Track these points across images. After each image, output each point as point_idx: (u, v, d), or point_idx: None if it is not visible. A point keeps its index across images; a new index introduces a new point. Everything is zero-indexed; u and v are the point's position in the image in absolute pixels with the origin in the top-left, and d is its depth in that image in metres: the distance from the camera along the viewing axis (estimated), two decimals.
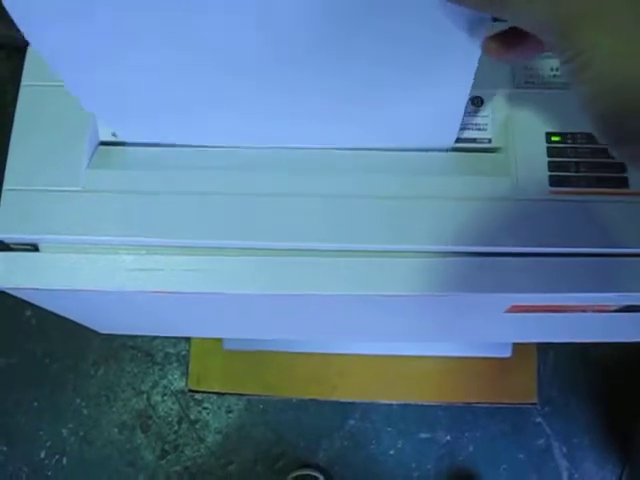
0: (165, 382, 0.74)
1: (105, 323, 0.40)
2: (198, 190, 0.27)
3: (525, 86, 0.28)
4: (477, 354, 0.65)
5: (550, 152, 0.27)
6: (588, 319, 0.32)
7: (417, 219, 0.27)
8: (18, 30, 0.22)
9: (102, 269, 0.27)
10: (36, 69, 0.29)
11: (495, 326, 0.38)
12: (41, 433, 0.73)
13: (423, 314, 0.33)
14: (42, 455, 0.73)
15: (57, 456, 0.73)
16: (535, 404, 0.68)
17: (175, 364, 0.74)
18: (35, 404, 0.74)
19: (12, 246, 0.28)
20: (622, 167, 0.27)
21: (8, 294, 0.29)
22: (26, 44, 0.31)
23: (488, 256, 0.27)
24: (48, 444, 0.73)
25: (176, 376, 0.74)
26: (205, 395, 0.72)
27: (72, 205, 0.27)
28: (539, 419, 0.72)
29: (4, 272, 0.27)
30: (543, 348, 0.71)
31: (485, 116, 0.28)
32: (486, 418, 0.72)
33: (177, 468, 0.73)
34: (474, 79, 0.25)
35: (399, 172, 0.27)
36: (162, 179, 0.27)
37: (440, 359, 0.66)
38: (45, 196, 0.27)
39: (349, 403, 0.71)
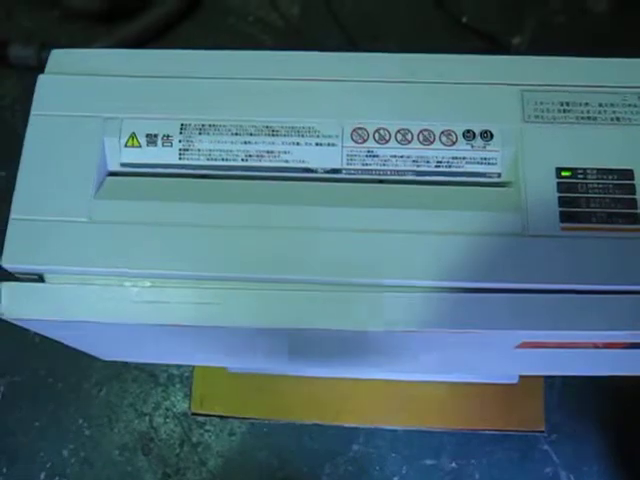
0: (168, 404, 0.73)
1: (109, 352, 0.40)
2: (206, 223, 0.27)
3: (535, 120, 0.28)
4: (484, 380, 0.64)
5: (560, 187, 0.27)
6: (599, 355, 0.31)
7: (426, 253, 0.26)
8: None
9: (107, 301, 0.27)
10: (46, 98, 0.29)
11: (503, 361, 0.38)
12: (42, 454, 0.72)
13: (430, 349, 0.33)
14: (42, 477, 0.72)
15: (57, 478, 0.72)
16: (542, 432, 0.67)
17: (178, 385, 0.74)
18: (37, 424, 0.73)
19: (17, 276, 0.28)
20: (634, 203, 0.27)
21: None
22: (40, 65, 0.31)
23: (498, 292, 0.26)
24: (48, 465, 0.72)
25: (179, 398, 0.73)
26: (208, 417, 0.71)
27: (78, 236, 0.27)
28: (546, 446, 0.71)
29: (9, 303, 0.27)
30: None
31: (495, 150, 0.28)
32: (493, 444, 0.70)
33: None
34: (483, 112, 0.26)
35: (406, 206, 0.27)
36: (170, 211, 0.27)
37: (446, 385, 0.65)
38: (52, 226, 0.27)
39: (353, 428, 0.69)
